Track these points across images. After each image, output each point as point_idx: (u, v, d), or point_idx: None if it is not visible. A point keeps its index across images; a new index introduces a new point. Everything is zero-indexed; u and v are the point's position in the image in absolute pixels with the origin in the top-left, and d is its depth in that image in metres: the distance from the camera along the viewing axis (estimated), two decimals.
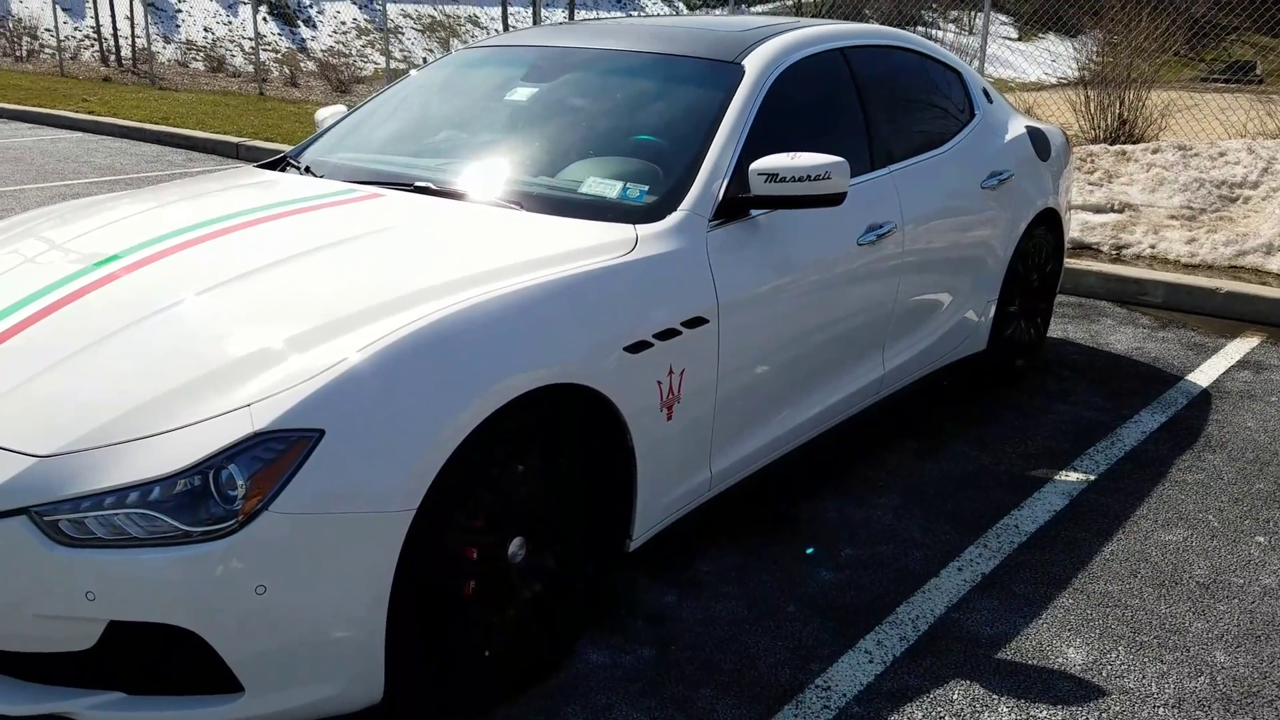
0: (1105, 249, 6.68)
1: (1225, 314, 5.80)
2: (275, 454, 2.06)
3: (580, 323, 2.53)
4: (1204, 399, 4.54)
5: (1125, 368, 4.95)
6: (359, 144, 3.71)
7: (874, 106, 3.77)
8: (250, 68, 21.81)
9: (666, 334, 2.73)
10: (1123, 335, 5.46)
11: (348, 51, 28.53)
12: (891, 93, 3.94)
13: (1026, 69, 20.48)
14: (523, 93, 3.57)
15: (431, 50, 28.61)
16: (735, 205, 3.04)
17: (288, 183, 3.37)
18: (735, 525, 3.30)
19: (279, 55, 26.32)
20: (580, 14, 28.66)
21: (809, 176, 2.93)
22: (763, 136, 3.22)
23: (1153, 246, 6.57)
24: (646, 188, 3.04)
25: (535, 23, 14.51)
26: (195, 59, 23.89)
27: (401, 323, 2.28)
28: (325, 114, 4.10)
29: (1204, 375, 4.85)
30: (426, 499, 2.17)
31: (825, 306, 3.33)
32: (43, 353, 2.31)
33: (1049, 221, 4.65)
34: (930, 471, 3.75)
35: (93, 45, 23.36)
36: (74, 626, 2.07)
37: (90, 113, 13.03)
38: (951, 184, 3.98)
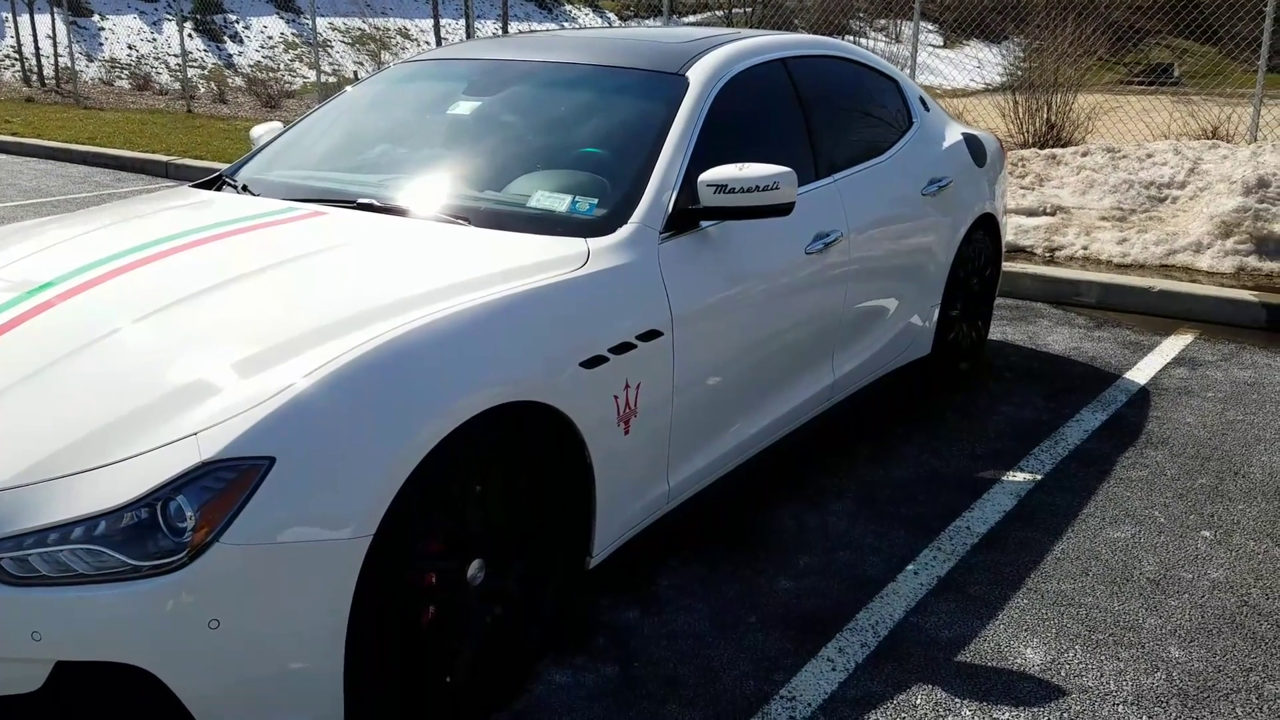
0: (1039, 251, 6.80)
1: (1158, 312, 5.93)
2: (224, 483, 2.00)
3: (535, 339, 2.51)
4: (1143, 396, 4.63)
5: (1064, 367, 5.03)
6: (297, 161, 3.64)
7: (816, 116, 3.79)
8: (177, 85, 21.42)
9: (621, 348, 2.71)
10: (1060, 335, 5.55)
11: (275, 66, 28.16)
12: (832, 102, 3.97)
13: (953, 75, 20.86)
14: (465, 106, 3.53)
15: (361, 63, 28.33)
16: (685, 217, 3.03)
17: (225, 202, 3.29)
18: (693, 537, 3.29)
19: (206, 72, 25.88)
20: (512, 26, 28.59)
21: (758, 187, 2.93)
22: (708, 148, 3.22)
23: (1085, 248, 6.70)
24: (595, 200, 3.02)
25: (468, 35, 14.44)
26: (120, 77, 23.41)
27: (351, 344, 2.23)
28: (261, 131, 4.02)
29: (1141, 373, 4.95)
30: (383, 524, 2.13)
31: (776, 316, 3.33)
32: None
33: (987, 226, 4.72)
34: (882, 476, 3.78)
35: (13, 65, 22.78)
36: (19, 668, 1.99)
37: (13, 134, 12.68)
38: (894, 191, 4.02)
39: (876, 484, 3.71)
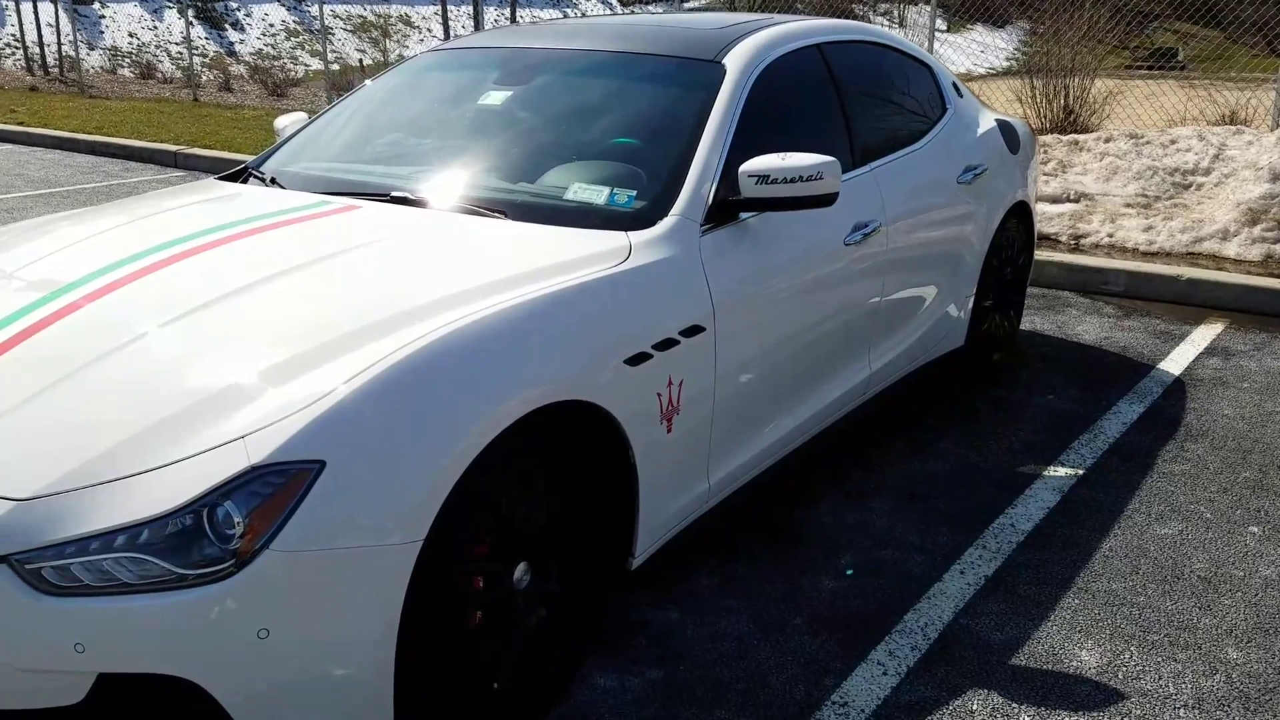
0: (1064, 239, 6.71)
1: (1187, 300, 5.85)
2: (274, 488, 1.93)
3: (581, 336, 2.44)
4: (1178, 388, 4.55)
5: (1096, 358, 4.96)
6: (325, 152, 3.57)
7: (852, 103, 3.72)
8: (180, 73, 21.31)
9: (665, 344, 2.64)
10: (1089, 325, 5.48)
11: (277, 54, 28.05)
12: (867, 89, 3.89)
13: (958, 60, 20.71)
14: (496, 96, 3.46)
15: (364, 50, 28.21)
16: (725, 208, 2.96)
17: (255, 196, 3.22)
18: (732, 535, 3.22)
19: (207, 59, 25.77)
20: (520, 13, 28.44)
21: (801, 177, 2.86)
22: (747, 137, 3.15)
23: (1110, 235, 6.62)
24: (634, 193, 2.95)
25: (476, 23, 14.31)
26: (123, 65, 23.31)
27: (398, 344, 2.17)
28: (285, 121, 3.94)
29: (1175, 363, 4.87)
30: (433, 528, 2.07)
31: (815, 309, 3.26)
32: (10, 389, 2.16)
33: (1020, 214, 4.64)
34: (920, 471, 3.71)
35: (15, 53, 22.68)
36: (62, 680, 1.93)
37: (20, 123, 12.61)
38: (929, 180, 3.95)
39: (915, 479, 3.65)
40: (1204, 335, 5.30)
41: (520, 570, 2.40)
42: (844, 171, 3.45)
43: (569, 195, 2.97)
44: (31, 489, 1.92)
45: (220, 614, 1.90)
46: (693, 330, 2.73)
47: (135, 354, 2.24)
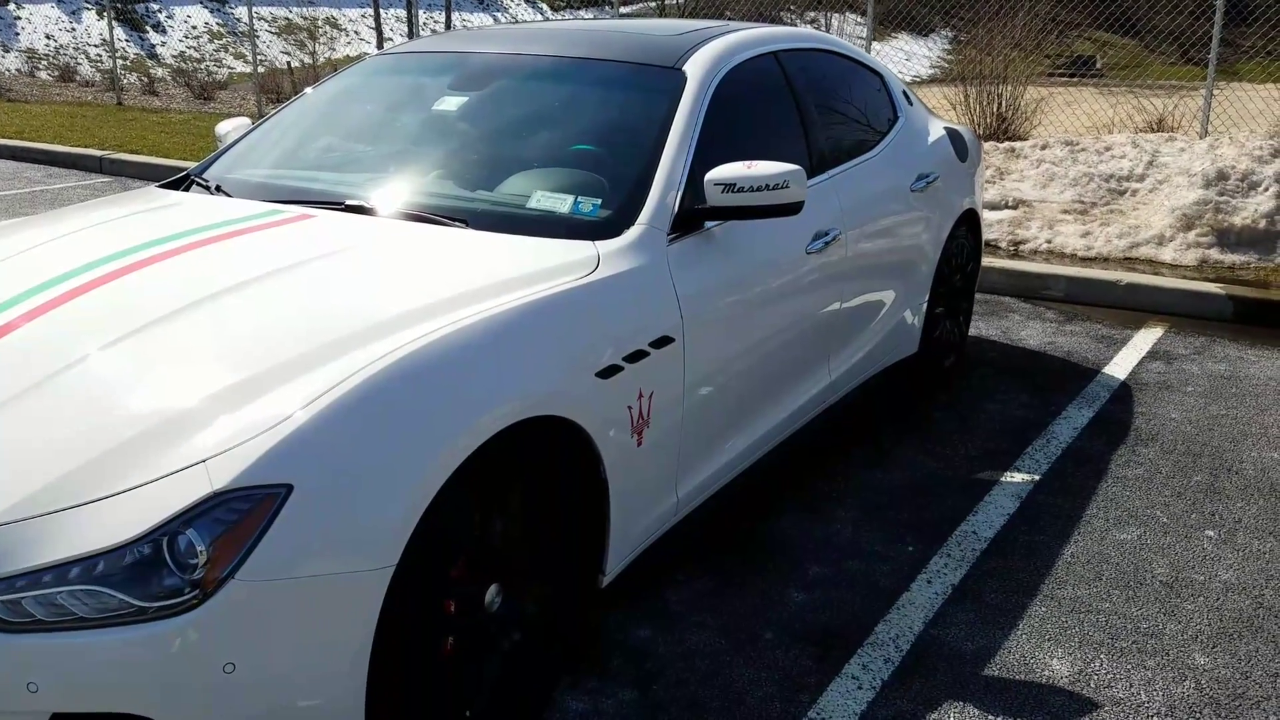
0: (1004, 245, 6.80)
1: (1127, 305, 5.95)
2: (239, 514, 1.84)
3: (554, 349, 2.37)
4: (1125, 392, 4.62)
5: (1042, 363, 5.01)
6: (272, 159, 3.45)
7: (809, 111, 3.70)
8: (101, 76, 20.73)
9: (635, 356, 2.59)
10: (1033, 330, 5.54)
11: (200, 56, 27.45)
12: (823, 97, 3.88)
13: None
14: (451, 102, 3.37)
15: (289, 53, 27.70)
16: (691, 217, 2.91)
17: (202, 205, 3.10)
18: (699, 549, 3.18)
19: (128, 62, 25.11)
20: (455, 17, 28.17)
21: (767, 185, 2.82)
22: (709, 144, 3.11)
23: (1049, 241, 6.72)
24: (599, 201, 2.89)
25: (410, 26, 14.12)
26: (40, 68, 22.61)
27: (364, 360, 2.08)
28: (228, 127, 3.81)
29: (1119, 368, 4.94)
30: (406, 552, 1.98)
31: (779, 317, 3.23)
32: None
33: (970, 222, 4.67)
34: (881, 481, 3.70)
35: None
36: None
37: None
38: (885, 188, 3.95)
39: (876, 489, 3.64)
40: (1145, 339, 5.39)
41: (492, 592, 2.32)
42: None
43: (532, 203, 2.90)
44: None
45: (183, 648, 1.81)
46: (662, 341, 2.68)
47: (83, 375, 2.12)
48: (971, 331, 5.44)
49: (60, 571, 1.79)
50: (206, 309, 2.32)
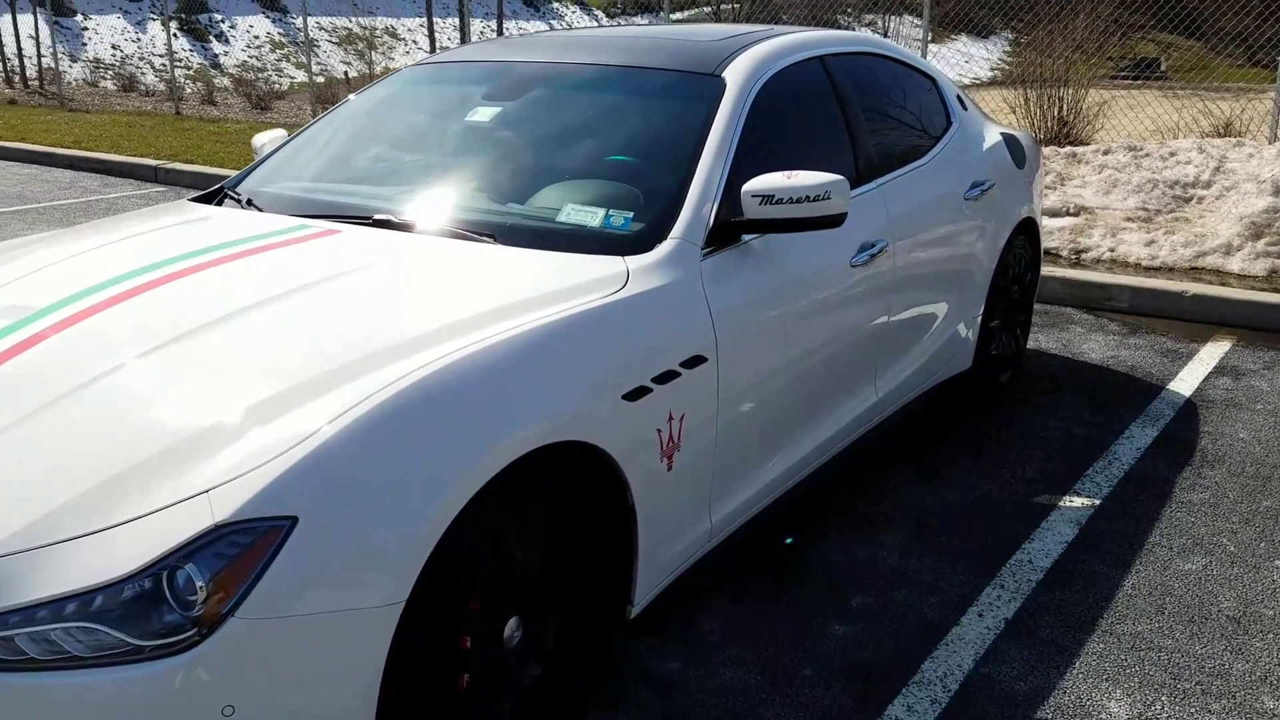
0: (1065, 253, 6.57)
1: (1192, 317, 5.71)
2: (240, 549, 1.75)
3: (577, 371, 2.26)
4: (1190, 410, 4.40)
5: (1104, 378, 4.81)
6: (305, 172, 3.39)
7: (856, 118, 3.56)
8: (163, 86, 21.08)
9: (665, 376, 2.47)
10: (1095, 343, 5.33)
11: (262, 66, 27.85)
12: (872, 102, 3.73)
13: (942, 70, 20.67)
14: (484, 112, 3.28)
15: (349, 63, 28.01)
16: (726, 230, 2.79)
17: (229, 220, 3.04)
18: (735, 576, 3.05)
19: (192, 71, 25.55)
20: (506, 25, 28.29)
21: (808, 197, 2.70)
22: (748, 154, 2.99)
23: (1112, 250, 6.48)
24: (631, 214, 2.78)
25: (462, 35, 14.16)
26: (105, 78, 23.07)
27: (377, 385, 1.99)
28: (264, 139, 3.76)
29: (1184, 384, 4.72)
30: (417, 587, 1.89)
31: (820, 334, 3.10)
32: None
33: (1027, 230, 4.49)
34: (931, 502, 3.54)
35: None
36: None
37: None
38: (937, 197, 3.79)
39: (926, 511, 3.48)
40: (1212, 353, 5.15)
41: (511, 626, 2.22)
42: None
43: (562, 217, 2.80)
44: None
45: (181, 689, 1.72)
46: (694, 361, 2.56)
47: (97, 394, 2.05)
48: (1030, 344, 5.24)
49: (56, 607, 1.71)
50: (222, 329, 2.25)
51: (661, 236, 2.70)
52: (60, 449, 1.92)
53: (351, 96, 3.76)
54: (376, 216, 2.86)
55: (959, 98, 4.33)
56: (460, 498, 1.95)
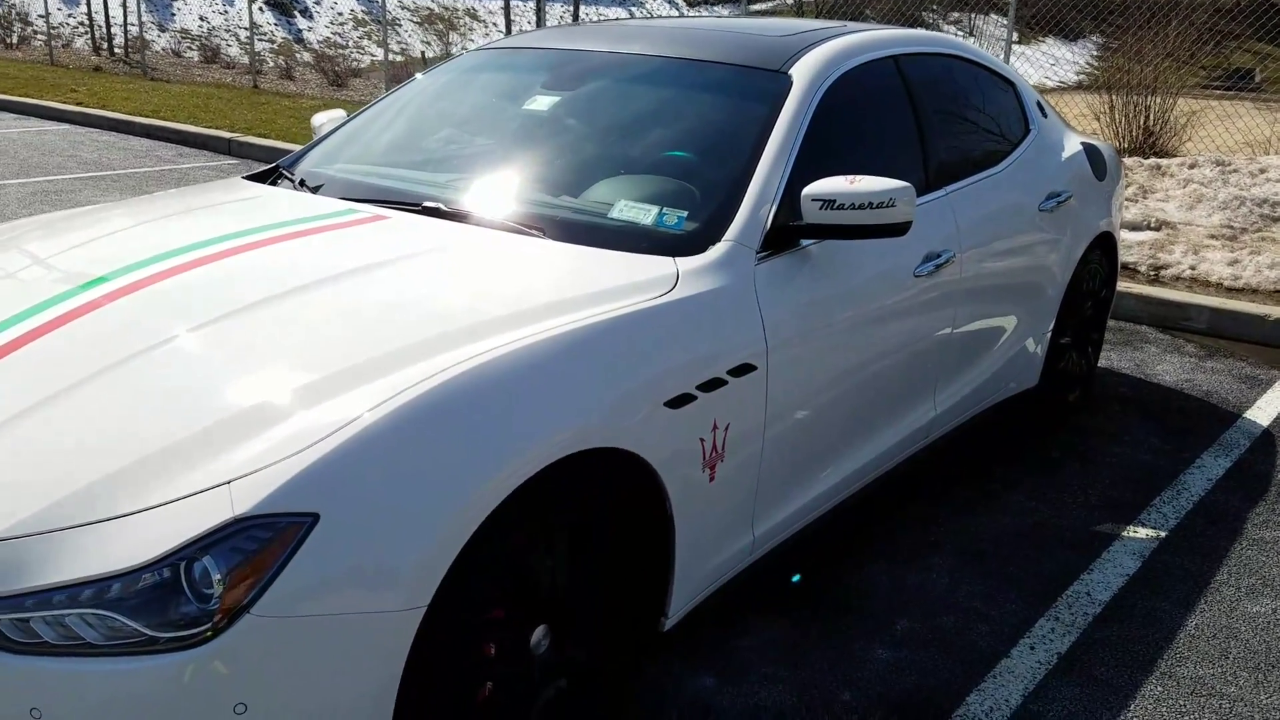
0: (1143, 269, 6.34)
1: (1274, 343, 5.46)
2: (259, 544, 1.70)
3: (617, 375, 2.18)
4: (1267, 441, 4.20)
5: (1177, 403, 4.61)
6: (360, 154, 3.35)
7: (928, 121, 3.42)
8: (245, 59, 21.39)
9: (711, 384, 2.38)
10: (1169, 365, 5.12)
11: (345, 43, 28.15)
12: (945, 106, 3.59)
13: (1027, 72, 20.17)
14: (542, 101, 3.21)
15: (429, 44, 28.19)
16: (784, 234, 2.69)
17: (278, 200, 3.01)
18: (774, 593, 2.95)
19: (275, 46, 25.90)
20: (584, 10, 28.26)
21: (871, 204, 2.58)
22: (812, 156, 2.88)
23: (1193, 267, 6.23)
24: (685, 213, 2.69)
25: (539, 18, 14.13)
26: (190, 48, 23.47)
27: (408, 380, 1.92)
28: (322, 119, 3.74)
29: (1263, 413, 4.51)
30: (439, 592, 1.82)
31: (878, 345, 2.98)
32: None
33: (1104, 246, 4.31)
34: (986, 527, 3.40)
35: (85, 33, 22.91)
36: None
37: (78, 104, 12.63)
38: (1009, 206, 3.64)
39: (980, 536, 3.35)
40: None
41: (539, 634, 2.15)
42: (917, 195, 3.16)
43: (614, 213, 2.72)
44: None
45: (193, 683, 1.68)
46: (743, 369, 2.47)
47: (127, 375, 2.02)
48: (1101, 362, 5.05)
49: (72, 592, 1.67)
50: (257, 314, 2.20)
51: (715, 238, 2.60)
52: (90, 428, 1.89)
53: (418, 75, 3.72)
54: (426, 204, 2.81)
55: (1039, 104, 4.16)
56: (489, 502, 1.88)
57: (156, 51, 21.71)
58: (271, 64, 20.60)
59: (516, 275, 2.42)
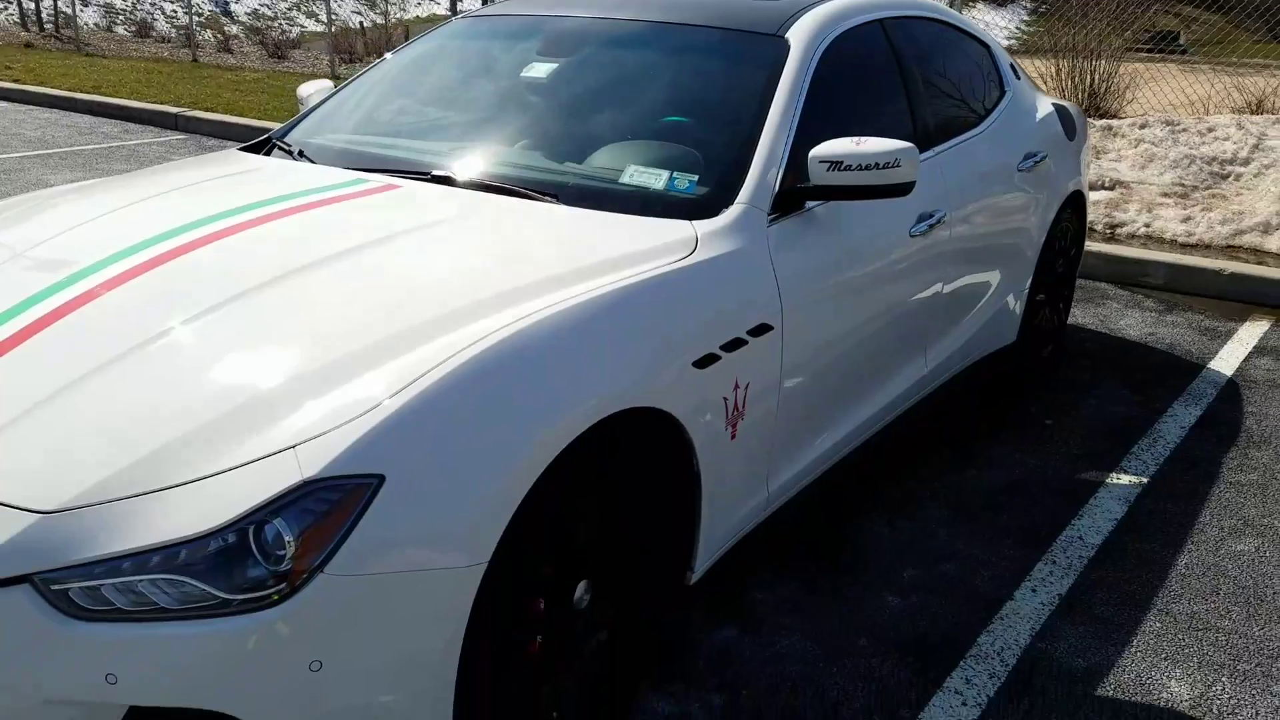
0: (1100, 228, 6.52)
1: (1229, 296, 5.67)
2: (329, 505, 1.73)
3: (650, 337, 2.24)
4: (1232, 390, 4.38)
5: (1143, 356, 4.78)
6: (357, 124, 3.34)
7: (915, 84, 3.50)
8: (175, 32, 20.89)
9: (733, 344, 2.44)
10: (1131, 320, 5.29)
11: (273, 14, 27.58)
12: (930, 69, 3.67)
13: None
14: (540, 68, 3.23)
15: (360, 13, 27.70)
16: (792, 196, 2.75)
17: (284, 171, 3.00)
18: (784, 547, 3.04)
19: (203, 19, 25.29)
20: None
21: (877, 164, 2.65)
22: (812, 119, 2.94)
23: (1147, 225, 6.43)
24: (695, 178, 2.74)
25: None
26: (117, 23, 22.84)
27: (456, 346, 1.96)
28: (310, 89, 3.71)
29: (1225, 363, 4.69)
30: (499, 549, 1.87)
31: (879, 305, 3.07)
32: (27, 388, 1.95)
33: (1075, 204, 4.44)
34: (976, 480, 3.52)
35: (7, 8, 22.19)
36: (91, 714, 1.73)
37: (16, 81, 12.27)
38: (993, 167, 3.74)
39: (971, 489, 3.46)
40: (1251, 333, 5.12)
41: (581, 590, 2.21)
42: None
43: (625, 178, 2.76)
44: (58, 500, 1.72)
45: (268, 643, 1.71)
46: (761, 329, 2.53)
47: (166, 350, 2.03)
48: (1068, 320, 5.20)
49: (141, 559, 1.69)
50: (293, 284, 2.22)
51: (728, 201, 2.66)
52: (137, 403, 1.90)
53: (393, 52, 3.70)
54: (436, 172, 2.82)
55: (1012, 66, 4.27)
56: (542, 460, 1.93)
57: (86, 26, 21.10)
58: (201, 37, 20.12)
59: (541, 240, 2.45)
